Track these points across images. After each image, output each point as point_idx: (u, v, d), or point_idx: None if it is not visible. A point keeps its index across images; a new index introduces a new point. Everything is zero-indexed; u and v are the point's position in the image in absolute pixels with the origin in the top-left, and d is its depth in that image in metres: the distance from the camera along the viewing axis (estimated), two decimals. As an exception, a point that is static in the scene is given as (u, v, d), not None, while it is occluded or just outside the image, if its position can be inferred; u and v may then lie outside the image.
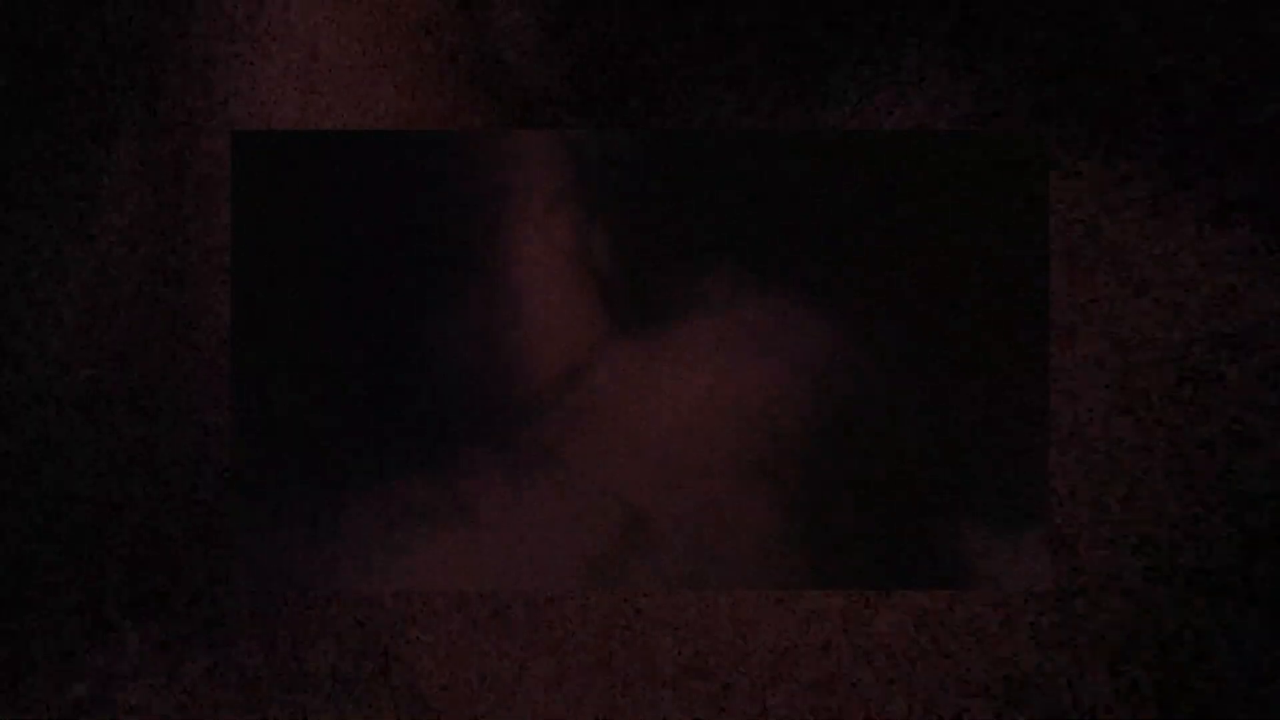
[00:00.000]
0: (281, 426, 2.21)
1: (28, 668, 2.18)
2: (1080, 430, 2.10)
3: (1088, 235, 2.11)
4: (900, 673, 2.15)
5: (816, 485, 2.14)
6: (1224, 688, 2.06)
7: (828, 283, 2.15)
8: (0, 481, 2.22)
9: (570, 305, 2.19)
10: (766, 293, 2.15)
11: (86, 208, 2.25)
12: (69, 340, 2.22)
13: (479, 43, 2.01)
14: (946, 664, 2.12)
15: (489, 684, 2.19)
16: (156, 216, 2.25)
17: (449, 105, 2.15)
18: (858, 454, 2.14)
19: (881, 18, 2.09)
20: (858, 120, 2.15)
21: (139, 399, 2.20)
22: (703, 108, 2.15)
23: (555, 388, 2.20)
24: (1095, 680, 2.09)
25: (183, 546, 2.20)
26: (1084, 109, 2.08)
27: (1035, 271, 2.11)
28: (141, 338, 2.22)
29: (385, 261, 2.21)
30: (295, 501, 2.20)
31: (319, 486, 2.20)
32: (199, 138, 2.19)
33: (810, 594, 2.17)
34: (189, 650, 2.19)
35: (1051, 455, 2.11)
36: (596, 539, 2.18)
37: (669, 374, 2.17)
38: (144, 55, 2.09)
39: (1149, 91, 2.05)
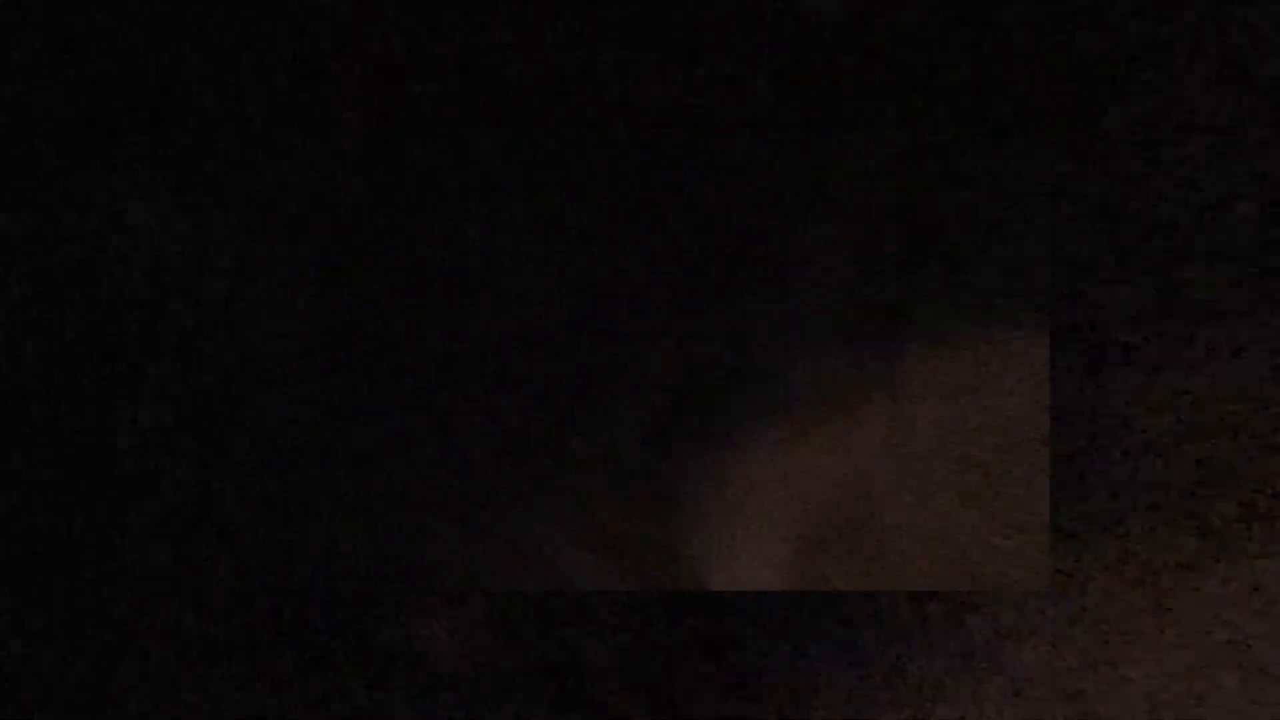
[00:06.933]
0: (281, 427, 2.22)
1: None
2: (1081, 430, 2.10)
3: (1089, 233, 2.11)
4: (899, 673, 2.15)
5: (816, 484, 2.14)
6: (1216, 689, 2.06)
7: (824, 282, 2.15)
8: (1, 480, 2.22)
9: (573, 305, 2.19)
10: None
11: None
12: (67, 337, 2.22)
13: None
14: (945, 664, 2.12)
15: (497, 682, 2.19)
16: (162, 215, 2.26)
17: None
18: (857, 453, 2.14)
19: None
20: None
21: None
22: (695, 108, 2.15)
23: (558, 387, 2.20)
24: (1094, 680, 2.09)
25: (182, 546, 2.21)
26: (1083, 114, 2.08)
27: (1036, 273, 2.11)
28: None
29: (386, 261, 2.22)
30: (295, 501, 2.20)
31: (319, 486, 2.20)
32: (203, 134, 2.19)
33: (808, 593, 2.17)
34: (191, 650, 2.19)
35: (1052, 455, 2.11)
36: (590, 539, 2.18)
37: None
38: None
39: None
